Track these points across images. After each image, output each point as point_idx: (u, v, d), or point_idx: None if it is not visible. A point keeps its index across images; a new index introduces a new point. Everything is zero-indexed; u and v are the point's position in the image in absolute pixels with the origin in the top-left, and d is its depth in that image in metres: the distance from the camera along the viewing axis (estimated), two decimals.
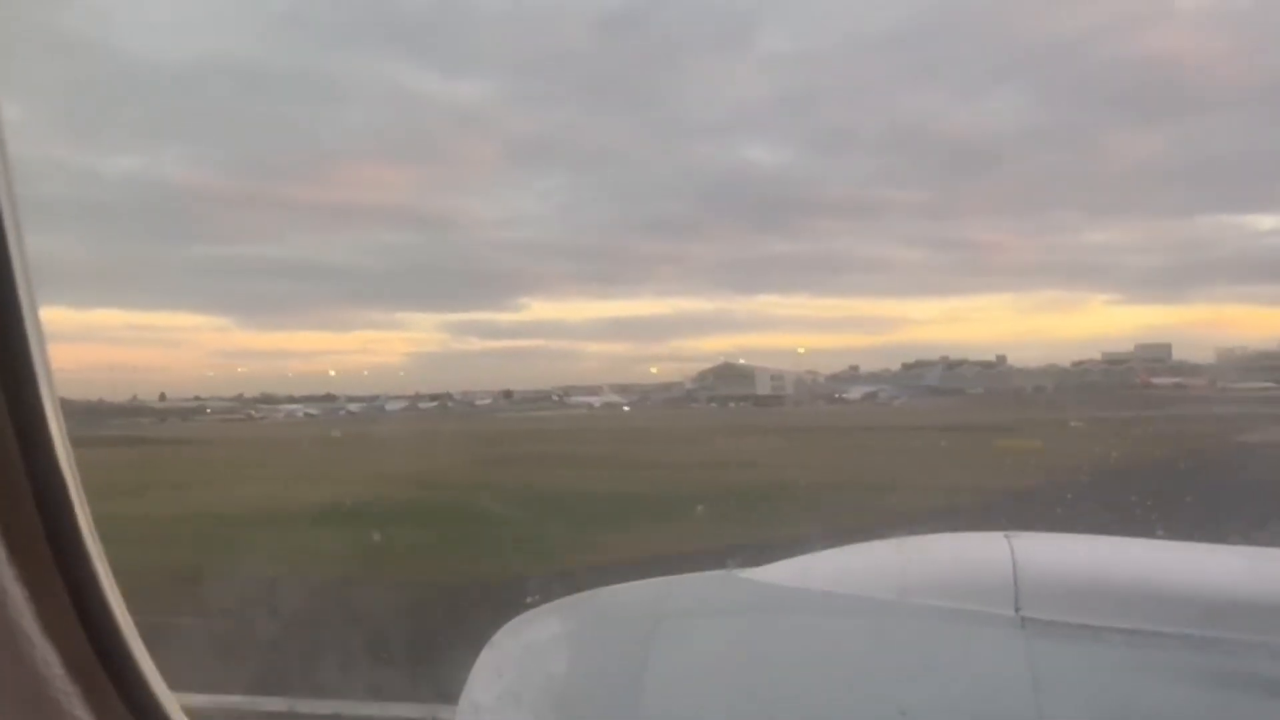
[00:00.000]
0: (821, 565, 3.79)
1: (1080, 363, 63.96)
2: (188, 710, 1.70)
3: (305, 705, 9.56)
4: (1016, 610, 3.31)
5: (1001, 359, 65.07)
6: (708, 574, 3.99)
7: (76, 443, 1.47)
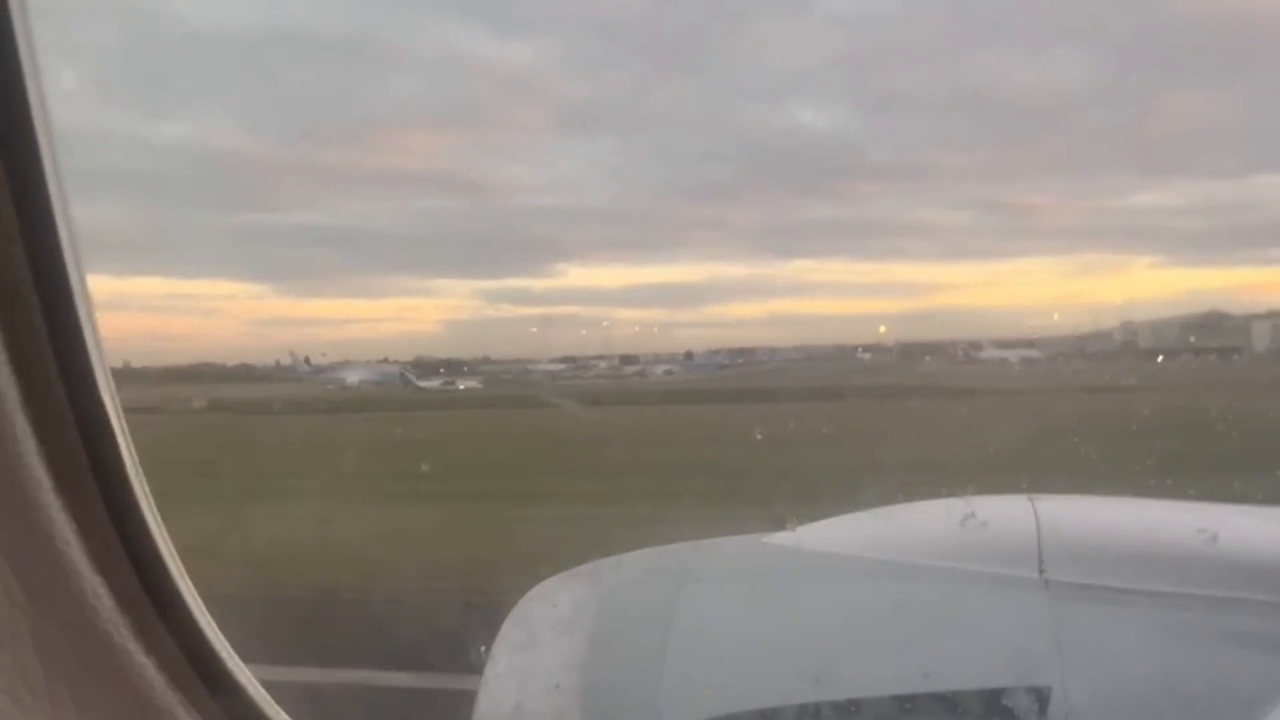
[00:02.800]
0: (845, 529, 3.80)
1: None
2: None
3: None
4: (1041, 572, 3.31)
5: None
6: (733, 539, 4.01)
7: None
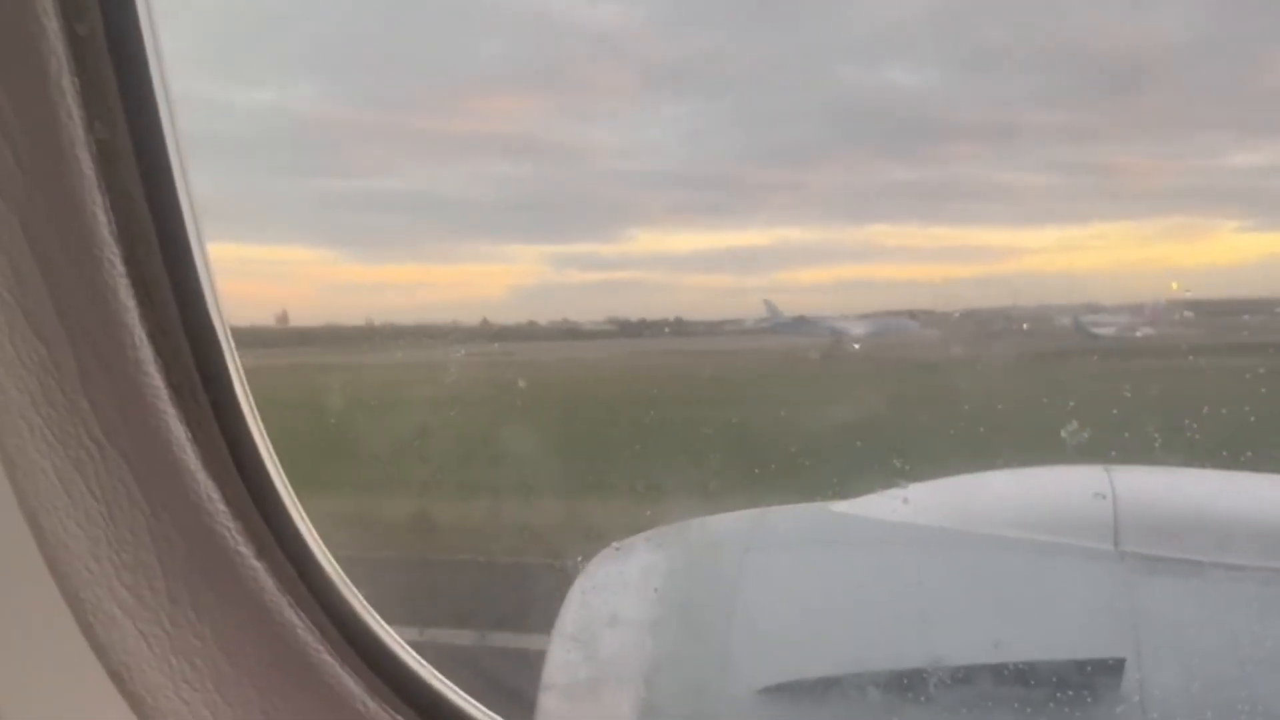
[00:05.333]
0: (915, 499, 3.77)
1: None
2: None
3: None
4: (1116, 544, 3.26)
5: None
6: (800, 506, 4.00)
7: None
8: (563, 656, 3.38)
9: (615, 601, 3.52)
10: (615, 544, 3.76)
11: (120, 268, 1.41)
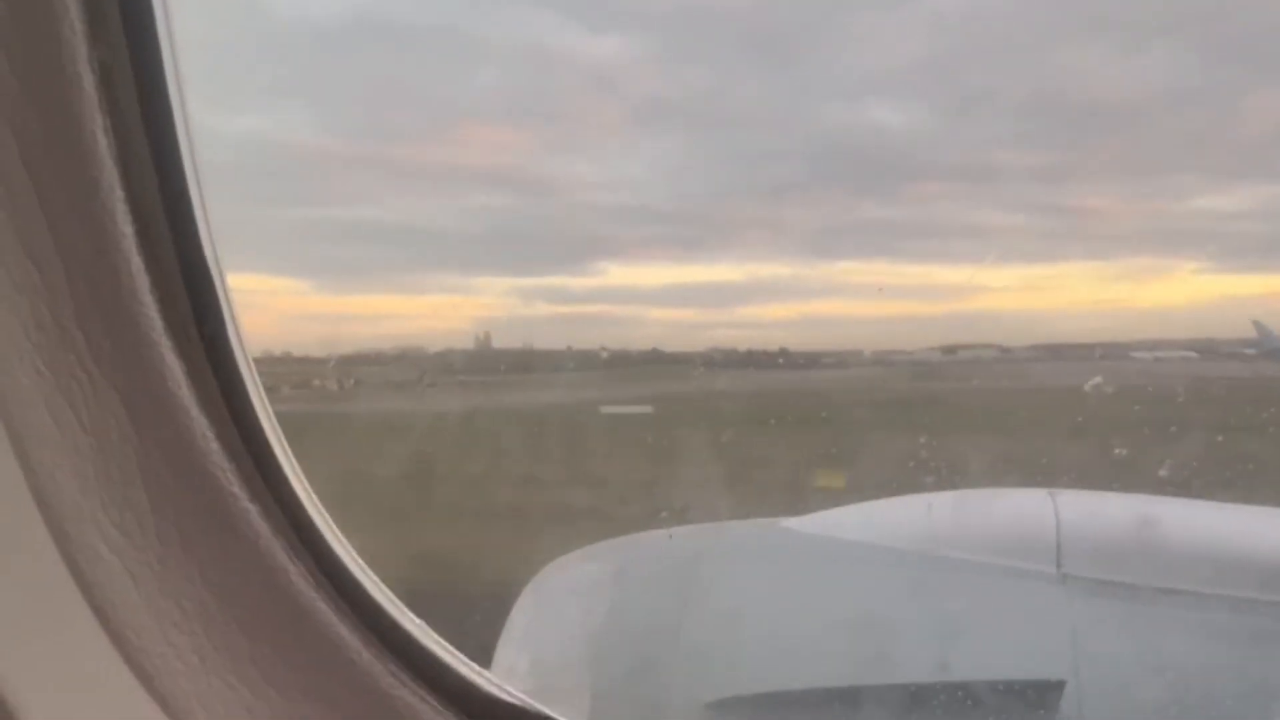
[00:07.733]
0: (864, 517, 3.81)
1: None
2: None
3: None
4: (1058, 567, 3.30)
5: None
6: (751, 522, 4.03)
7: None
8: (507, 667, 3.37)
9: (563, 612, 3.52)
10: (567, 554, 3.77)
11: (118, 192, 1.34)
